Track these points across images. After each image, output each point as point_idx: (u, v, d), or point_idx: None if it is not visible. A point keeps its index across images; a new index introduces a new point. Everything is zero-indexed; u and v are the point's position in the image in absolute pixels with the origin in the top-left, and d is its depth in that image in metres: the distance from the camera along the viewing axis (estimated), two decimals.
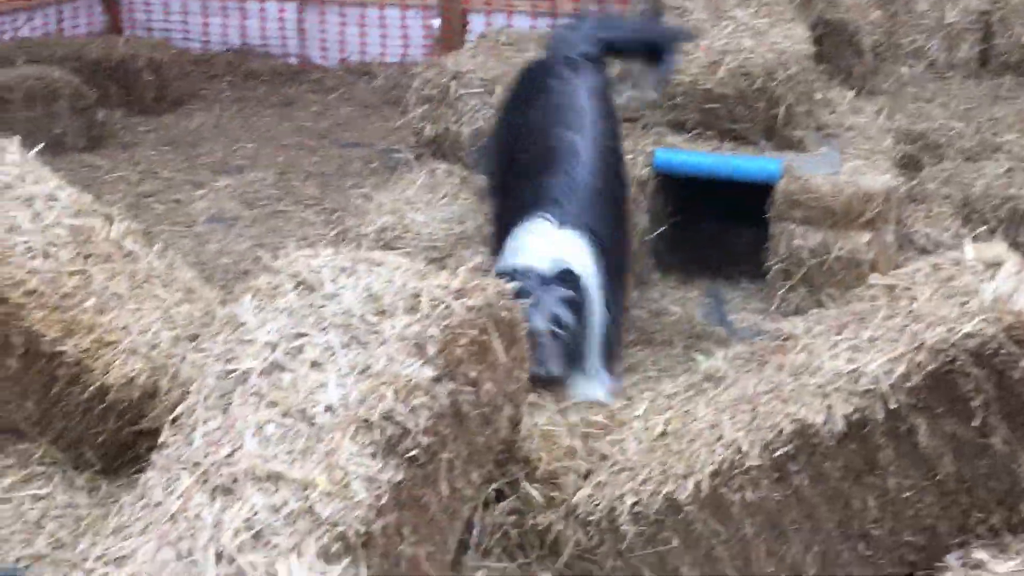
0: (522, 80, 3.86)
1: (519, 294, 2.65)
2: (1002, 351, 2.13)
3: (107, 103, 6.21)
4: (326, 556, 1.97)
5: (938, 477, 2.24)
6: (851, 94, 4.90)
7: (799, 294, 3.99)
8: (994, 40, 5.63)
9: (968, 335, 2.16)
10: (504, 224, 3.31)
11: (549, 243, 3.12)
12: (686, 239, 4.63)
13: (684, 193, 4.45)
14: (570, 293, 2.97)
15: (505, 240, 3.23)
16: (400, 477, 2.14)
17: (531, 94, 3.64)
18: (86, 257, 2.97)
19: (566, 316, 2.95)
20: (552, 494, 2.49)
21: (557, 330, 2.93)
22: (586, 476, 2.54)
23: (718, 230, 4.77)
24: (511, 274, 2.83)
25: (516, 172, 3.48)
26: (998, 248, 2.38)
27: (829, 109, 4.67)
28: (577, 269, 3.06)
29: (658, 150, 4.26)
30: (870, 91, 5.26)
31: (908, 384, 2.21)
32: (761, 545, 2.38)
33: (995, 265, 2.31)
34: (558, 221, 3.18)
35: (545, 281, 2.96)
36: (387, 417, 2.17)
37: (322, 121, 6.34)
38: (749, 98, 4.15)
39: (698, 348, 3.65)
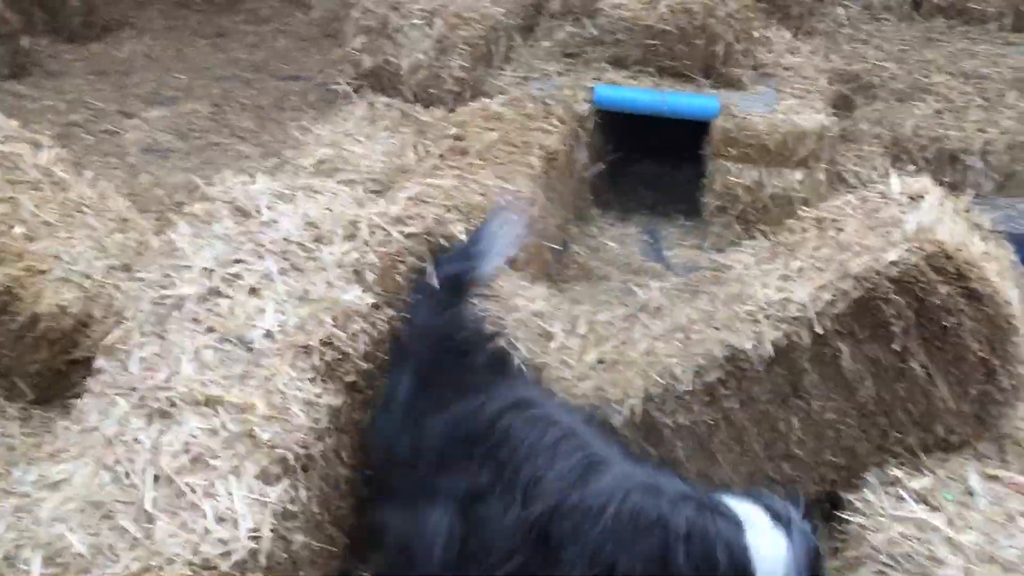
0: None
1: None
2: (922, 279, 2.22)
3: (31, 30, 5.95)
4: (265, 478, 1.99)
5: (859, 400, 2.34)
6: (788, 34, 4.95)
7: (733, 230, 4.06)
8: None
9: (891, 263, 2.25)
10: None
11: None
12: (624, 176, 4.67)
13: (623, 130, 4.48)
14: None
15: None
16: (339, 401, 2.17)
17: None
18: (14, 184, 2.89)
19: None
20: None
21: None
22: None
23: (656, 167, 4.82)
24: None
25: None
26: (922, 181, 2.46)
27: (767, 48, 4.71)
28: None
29: (598, 86, 4.27)
30: (807, 31, 5.31)
31: (834, 311, 2.30)
32: (691, 466, 2.47)
33: (918, 197, 2.39)
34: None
35: None
36: (326, 342, 2.19)
37: (257, 53, 6.19)
38: (689, 35, 4.17)
39: (635, 282, 3.70)
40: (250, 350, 2.17)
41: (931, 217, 2.29)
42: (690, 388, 2.41)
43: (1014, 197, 4.46)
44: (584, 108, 4.18)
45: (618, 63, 4.42)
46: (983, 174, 4.49)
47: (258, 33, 6.52)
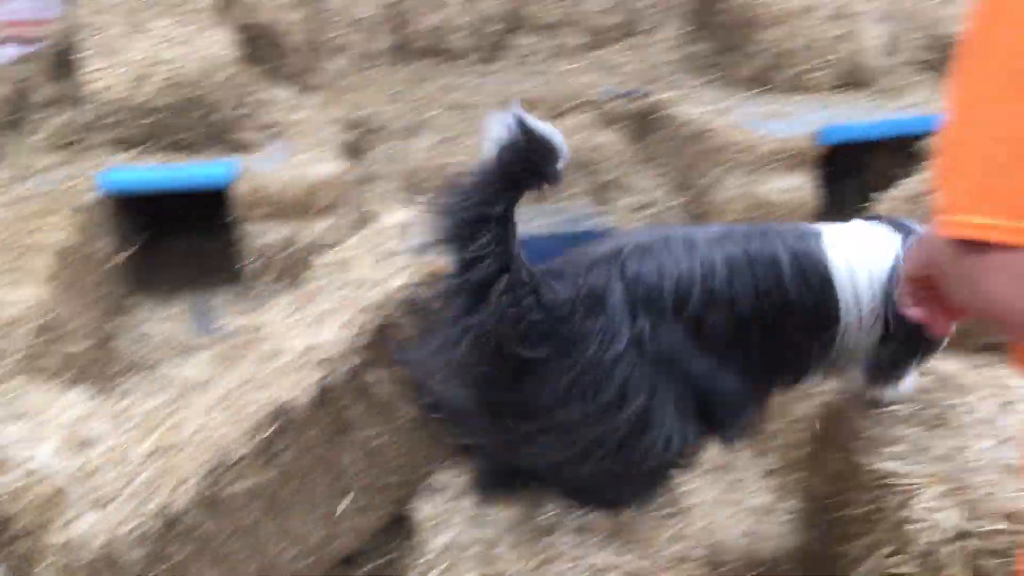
0: None
1: None
2: (425, 298, 2.46)
3: None
4: None
5: (399, 421, 2.53)
6: (289, 92, 5.16)
7: (275, 287, 4.14)
8: (405, 29, 6.29)
9: (397, 289, 2.47)
10: None
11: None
12: (161, 254, 4.55)
13: (150, 208, 4.38)
14: None
15: None
16: None
17: None
18: None
19: None
20: (40, 544, 2.34)
21: None
22: (74, 517, 2.43)
23: (195, 239, 4.77)
24: None
25: None
26: (406, 211, 2.73)
27: (271, 108, 4.87)
28: None
29: (105, 172, 4.12)
30: (308, 86, 5.57)
31: (359, 344, 2.46)
32: (268, 526, 2.50)
33: (408, 226, 2.65)
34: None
35: None
36: None
37: None
38: (185, 107, 4.19)
39: (183, 362, 3.63)
40: None
41: (419, 241, 2.54)
42: (245, 452, 2.43)
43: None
44: (93, 197, 4.01)
45: (122, 144, 4.31)
46: None
47: None
